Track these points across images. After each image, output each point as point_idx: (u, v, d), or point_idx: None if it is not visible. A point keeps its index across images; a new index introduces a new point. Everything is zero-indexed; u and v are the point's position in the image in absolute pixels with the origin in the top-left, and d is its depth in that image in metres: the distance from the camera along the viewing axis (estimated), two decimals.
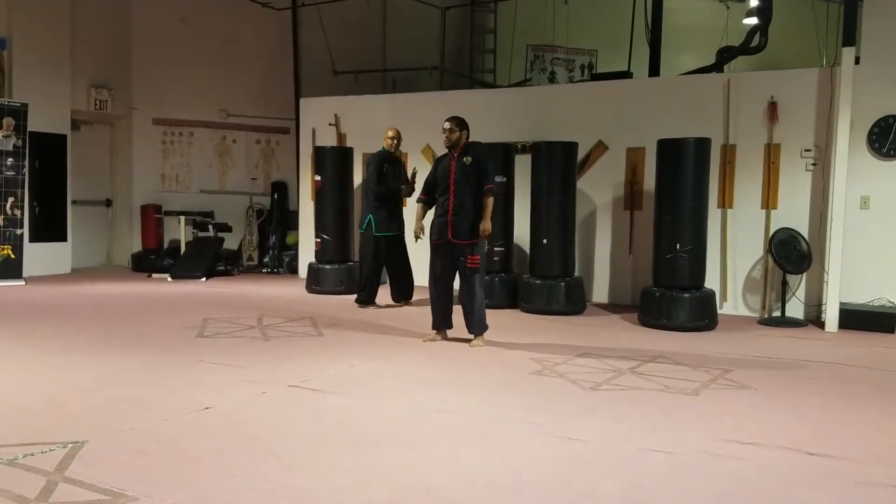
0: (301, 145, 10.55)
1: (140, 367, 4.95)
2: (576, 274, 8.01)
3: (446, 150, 5.97)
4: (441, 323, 6.06)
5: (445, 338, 6.05)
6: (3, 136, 9.17)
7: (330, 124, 10.08)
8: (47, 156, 10.12)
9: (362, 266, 7.95)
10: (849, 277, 7.13)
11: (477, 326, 5.89)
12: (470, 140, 5.96)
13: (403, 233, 7.84)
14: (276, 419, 3.88)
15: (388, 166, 7.77)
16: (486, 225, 5.74)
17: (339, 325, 6.72)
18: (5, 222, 9.17)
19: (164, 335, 6.09)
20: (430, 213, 6.11)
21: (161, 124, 11.56)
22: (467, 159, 5.80)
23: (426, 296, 6.24)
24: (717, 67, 9.15)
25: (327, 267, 8.88)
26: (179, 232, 10.55)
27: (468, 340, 5.93)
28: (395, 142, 7.88)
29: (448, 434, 3.69)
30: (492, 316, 7.22)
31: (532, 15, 12.46)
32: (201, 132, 11.77)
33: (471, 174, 5.78)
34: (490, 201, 5.76)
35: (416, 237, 6.09)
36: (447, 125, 5.86)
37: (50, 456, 3.21)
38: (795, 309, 7.51)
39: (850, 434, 3.86)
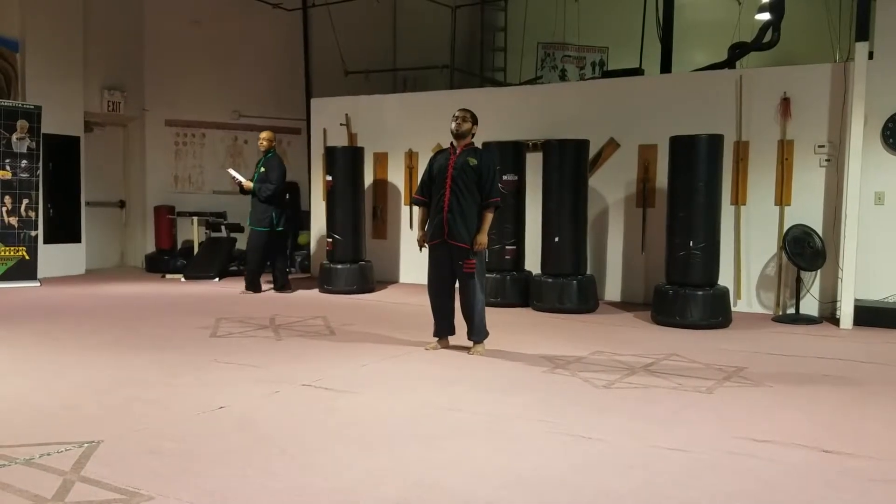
0: (312, 145, 10.59)
1: (154, 367, 4.98)
2: (588, 272, 7.99)
3: (448, 146, 5.60)
4: (442, 330, 5.72)
5: (447, 346, 5.72)
6: (17, 139, 9.23)
7: (341, 124, 10.10)
8: (61, 158, 10.19)
9: (254, 258, 8.76)
10: (863, 274, 7.09)
11: (477, 333, 5.56)
12: (474, 140, 5.60)
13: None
14: (289, 418, 3.89)
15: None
16: (482, 239, 5.38)
17: (350, 324, 6.73)
18: (20, 224, 9.24)
19: (178, 335, 6.12)
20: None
21: (173, 126, 11.62)
22: (472, 161, 5.39)
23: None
24: (729, 64, 9.11)
25: (339, 267, 8.90)
26: (192, 232, 10.60)
27: (469, 348, 5.61)
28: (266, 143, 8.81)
29: (460, 432, 3.69)
30: (503, 314, 7.24)
31: (542, 12, 12.44)
32: (213, 133, 11.82)
33: (471, 177, 5.37)
34: (491, 216, 5.43)
35: (420, 247, 5.69)
36: (460, 113, 5.51)
37: (66, 456, 3.23)
38: (810, 306, 7.46)
39: (865, 431, 3.83)
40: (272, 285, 8.97)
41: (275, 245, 8.85)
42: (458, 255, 5.44)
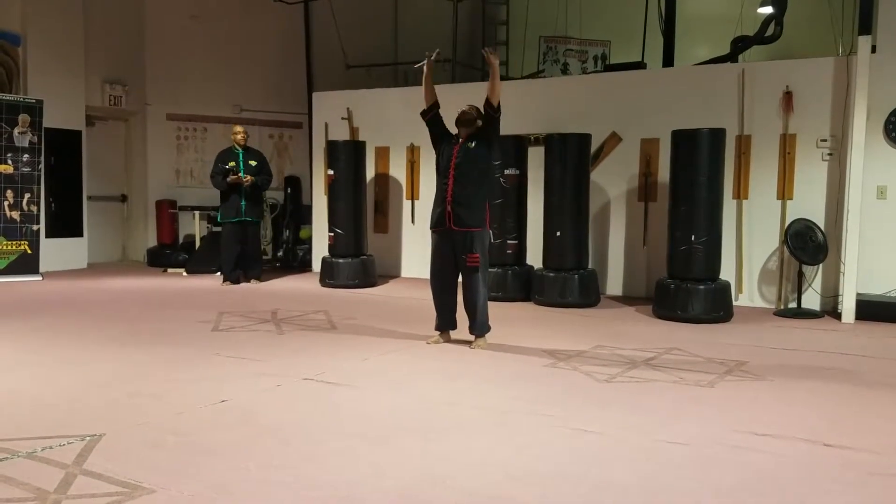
0: (314, 139, 10.57)
1: (156, 360, 4.99)
2: (590, 266, 7.98)
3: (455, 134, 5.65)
4: (444, 323, 5.70)
5: (449, 339, 5.71)
6: (18, 133, 9.23)
7: (342, 118, 10.08)
8: (62, 152, 10.19)
9: (260, 249, 9.51)
10: (865, 268, 7.08)
11: (479, 327, 5.54)
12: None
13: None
14: (291, 412, 3.90)
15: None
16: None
17: (352, 318, 6.74)
18: (22, 218, 9.24)
19: (180, 329, 6.12)
20: (428, 203, 5.89)
21: (175, 120, 11.61)
22: (471, 145, 5.46)
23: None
24: (731, 57, 9.07)
25: (340, 261, 8.90)
26: (194, 227, 10.60)
27: (470, 342, 5.59)
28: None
29: (462, 426, 3.70)
30: (505, 308, 7.25)
31: (544, 6, 12.40)
32: (215, 127, 11.81)
33: (475, 160, 5.43)
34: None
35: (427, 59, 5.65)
36: (466, 106, 5.55)
37: (68, 449, 3.24)
38: (811, 300, 7.46)
39: (866, 425, 3.83)
40: (222, 277, 9.14)
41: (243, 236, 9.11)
42: (463, 247, 5.44)
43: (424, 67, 5.68)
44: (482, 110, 5.50)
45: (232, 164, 8.84)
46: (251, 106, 11.78)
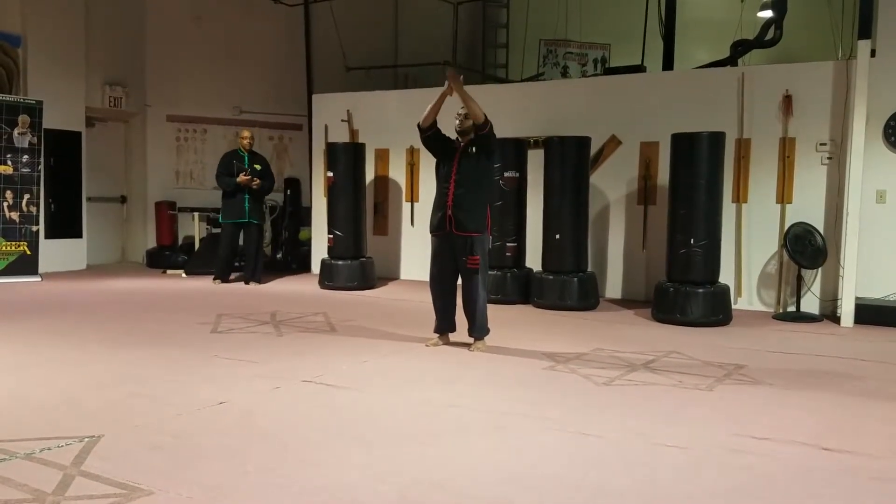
0: (314, 141, 10.58)
1: (155, 362, 4.98)
2: (589, 269, 7.98)
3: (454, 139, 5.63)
4: (443, 326, 5.70)
5: (448, 342, 5.71)
6: (18, 134, 9.23)
7: (342, 120, 10.09)
8: (62, 153, 10.18)
9: (262, 250, 9.44)
10: (864, 272, 7.08)
11: (478, 330, 5.55)
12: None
13: None
14: (289, 414, 3.90)
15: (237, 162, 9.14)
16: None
17: (351, 320, 6.73)
18: (21, 219, 9.24)
19: (179, 331, 6.12)
20: (427, 205, 5.94)
21: (175, 121, 11.62)
22: (472, 149, 5.46)
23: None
24: (731, 61, 9.08)
25: (340, 263, 8.91)
26: (193, 228, 10.60)
27: (469, 345, 5.59)
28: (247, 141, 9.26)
29: (461, 429, 3.69)
30: (504, 311, 7.25)
31: (545, 9, 12.41)
32: (215, 129, 11.82)
33: (476, 162, 5.43)
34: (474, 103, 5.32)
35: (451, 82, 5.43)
36: (463, 111, 5.48)
37: (66, 450, 3.24)
38: (810, 304, 7.46)
39: (865, 429, 3.83)
40: (216, 278, 9.27)
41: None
42: (463, 248, 5.45)
43: (446, 85, 5.44)
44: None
45: (237, 164, 9.05)
46: (251, 108, 11.78)
